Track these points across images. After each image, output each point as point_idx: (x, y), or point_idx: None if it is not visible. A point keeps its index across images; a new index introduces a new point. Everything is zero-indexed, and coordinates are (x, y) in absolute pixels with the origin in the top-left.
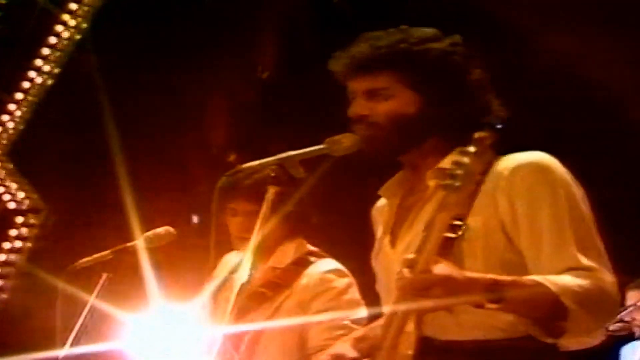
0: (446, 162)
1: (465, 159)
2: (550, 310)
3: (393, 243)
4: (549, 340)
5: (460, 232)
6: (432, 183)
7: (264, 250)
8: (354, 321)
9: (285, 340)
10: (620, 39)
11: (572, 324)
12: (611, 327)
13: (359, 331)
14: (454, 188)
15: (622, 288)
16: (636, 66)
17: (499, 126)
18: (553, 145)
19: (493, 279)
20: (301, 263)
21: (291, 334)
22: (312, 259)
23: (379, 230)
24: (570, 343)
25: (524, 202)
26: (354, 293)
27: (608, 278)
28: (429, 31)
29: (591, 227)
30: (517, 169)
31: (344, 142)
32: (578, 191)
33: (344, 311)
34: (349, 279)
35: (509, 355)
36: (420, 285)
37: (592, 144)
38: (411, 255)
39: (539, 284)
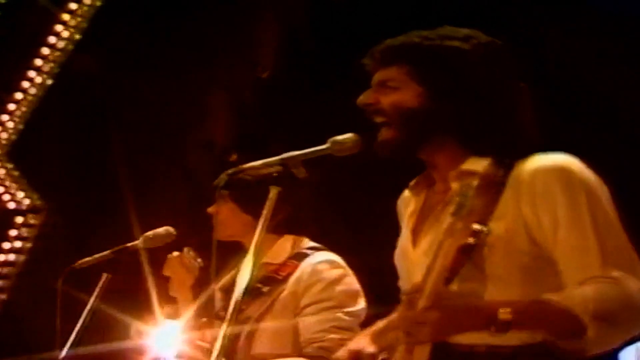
0: (469, 164)
1: (470, 192)
2: (568, 327)
3: (414, 243)
4: (574, 355)
5: (482, 237)
6: (454, 185)
7: (261, 247)
8: (348, 313)
9: (280, 334)
10: None
11: (594, 338)
12: None
13: (380, 324)
14: (461, 216)
15: None
16: None
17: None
18: (581, 148)
19: (498, 307)
20: (298, 257)
21: (285, 327)
22: (309, 252)
23: (403, 225)
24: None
25: (546, 208)
26: (349, 284)
27: (634, 285)
28: (461, 31)
29: (617, 232)
30: (537, 173)
31: (347, 142)
32: (603, 194)
33: (336, 302)
34: (342, 270)
35: None
36: (417, 324)
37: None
38: (418, 280)
39: (551, 304)
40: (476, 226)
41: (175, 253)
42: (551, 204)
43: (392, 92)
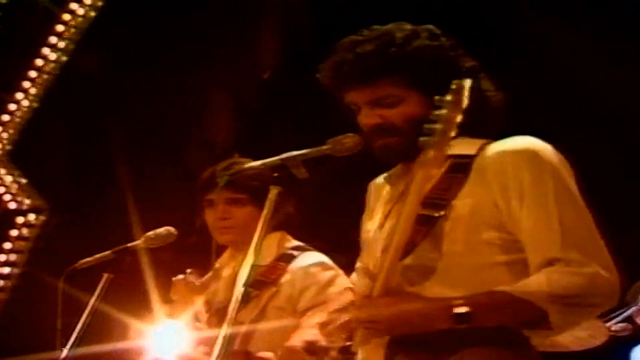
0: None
1: (443, 111)
2: (529, 315)
3: (382, 225)
4: (541, 334)
5: (443, 212)
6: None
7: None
8: None
9: (278, 338)
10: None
11: (557, 321)
12: (613, 328)
13: (322, 315)
14: (432, 143)
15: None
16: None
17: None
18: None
19: (451, 302)
20: (284, 259)
21: (281, 331)
22: (296, 253)
23: (369, 208)
24: (572, 343)
25: (512, 189)
26: (342, 284)
27: (590, 269)
28: (406, 27)
29: (581, 213)
30: (505, 155)
31: (347, 142)
32: (569, 177)
33: (334, 304)
34: (333, 272)
35: (483, 345)
36: (371, 322)
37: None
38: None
39: (507, 294)
40: (439, 201)
41: (180, 276)
42: (519, 185)
43: (397, 106)
